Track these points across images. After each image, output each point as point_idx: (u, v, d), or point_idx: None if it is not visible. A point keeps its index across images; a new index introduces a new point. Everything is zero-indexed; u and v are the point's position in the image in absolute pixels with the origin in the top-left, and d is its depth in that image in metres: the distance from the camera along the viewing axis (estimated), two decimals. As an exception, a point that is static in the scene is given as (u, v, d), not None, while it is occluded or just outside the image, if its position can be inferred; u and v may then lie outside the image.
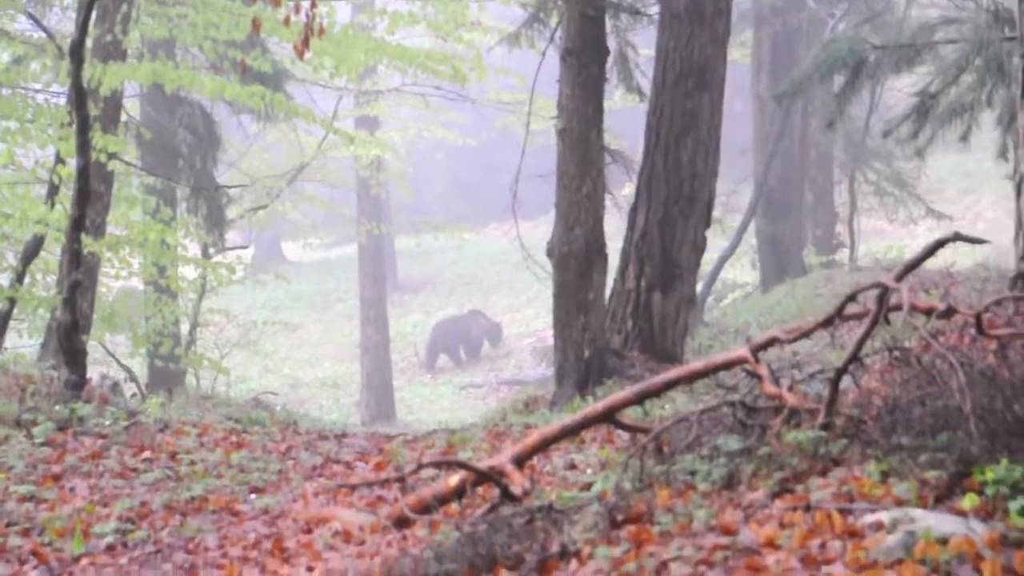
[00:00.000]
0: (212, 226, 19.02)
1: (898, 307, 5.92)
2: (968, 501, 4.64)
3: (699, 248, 11.56)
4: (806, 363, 6.39)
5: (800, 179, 23.44)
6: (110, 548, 6.20)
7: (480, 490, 6.01)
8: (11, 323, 13.63)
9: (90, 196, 10.30)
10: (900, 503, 4.74)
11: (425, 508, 6.03)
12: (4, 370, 10.49)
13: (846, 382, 5.70)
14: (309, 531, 6.20)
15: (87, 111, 9.89)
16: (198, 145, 18.49)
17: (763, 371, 5.91)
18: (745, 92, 24.05)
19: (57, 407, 8.79)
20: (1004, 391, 5.21)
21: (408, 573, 5.11)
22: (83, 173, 9.85)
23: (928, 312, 6.32)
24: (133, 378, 15.72)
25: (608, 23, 10.98)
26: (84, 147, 9.83)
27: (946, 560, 4.21)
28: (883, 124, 13.94)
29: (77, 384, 9.56)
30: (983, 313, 5.96)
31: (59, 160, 13.54)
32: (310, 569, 5.62)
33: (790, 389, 5.80)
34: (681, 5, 11.06)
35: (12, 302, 13.29)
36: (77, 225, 9.94)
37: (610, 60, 11.15)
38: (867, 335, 5.86)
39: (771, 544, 4.65)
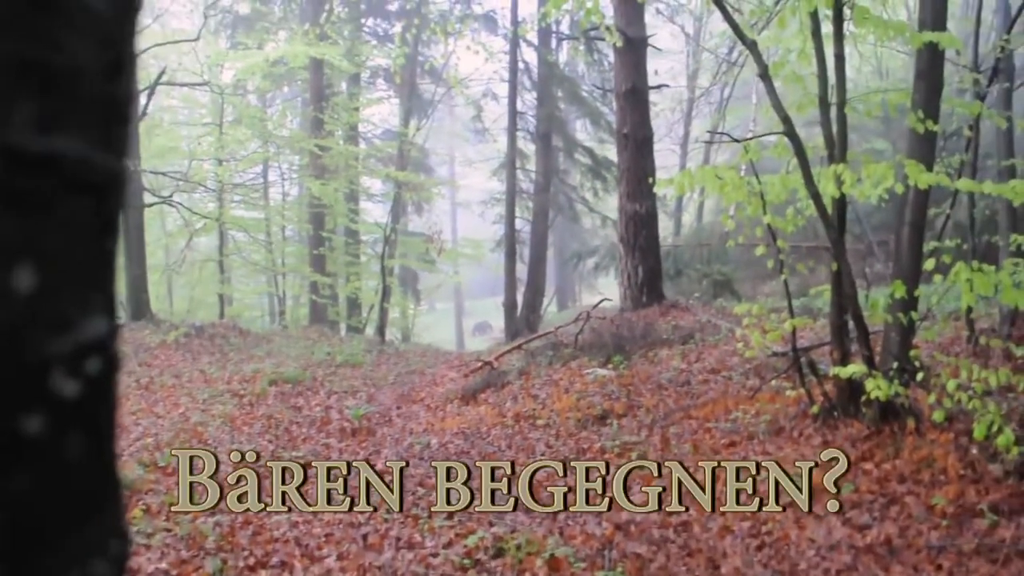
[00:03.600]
0: (416, 300, 18.61)
1: (592, 316, 6.25)
2: (612, 365, 4.91)
3: (540, 302, 11.67)
4: (570, 331, 6.60)
5: (568, 283, 23.77)
6: (391, 384, 6.12)
7: (487, 367, 6.15)
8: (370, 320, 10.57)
9: (387, 290, 9.08)
10: (593, 367, 4.99)
11: (473, 371, 6.21)
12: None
13: (581, 337, 5.93)
14: (443, 377, 6.22)
15: (385, 273, 8.79)
16: (412, 276, 17.94)
17: (559, 333, 6.14)
18: (551, 260, 23.73)
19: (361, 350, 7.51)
20: (620, 338, 5.54)
21: (471, 388, 5.20)
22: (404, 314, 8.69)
23: (601, 317, 6.60)
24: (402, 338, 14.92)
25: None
26: (383, 277, 8.83)
27: (604, 382, 4.46)
28: (588, 270, 13.73)
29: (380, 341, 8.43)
30: (614, 317, 6.30)
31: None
32: (442, 387, 5.68)
33: (565, 338, 6.08)
34: (538, 230, 11.30)
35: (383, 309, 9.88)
36: (386, 295, 8.95)
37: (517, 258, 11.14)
38: (585, 323, 6.03)
39: (561, 379, 4.84)
